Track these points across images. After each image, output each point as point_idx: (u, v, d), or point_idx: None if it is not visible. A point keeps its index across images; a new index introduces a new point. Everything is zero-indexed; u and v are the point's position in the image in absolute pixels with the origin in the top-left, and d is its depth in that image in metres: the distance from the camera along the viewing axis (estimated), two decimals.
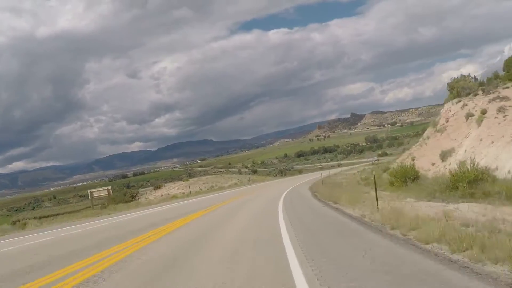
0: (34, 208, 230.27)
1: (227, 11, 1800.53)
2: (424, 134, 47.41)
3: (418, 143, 46.37)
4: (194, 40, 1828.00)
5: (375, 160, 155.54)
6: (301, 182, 60.45)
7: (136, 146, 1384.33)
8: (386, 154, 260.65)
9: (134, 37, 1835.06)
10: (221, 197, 42.85)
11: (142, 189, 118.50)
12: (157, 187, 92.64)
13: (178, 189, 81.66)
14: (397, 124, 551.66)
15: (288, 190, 43.82)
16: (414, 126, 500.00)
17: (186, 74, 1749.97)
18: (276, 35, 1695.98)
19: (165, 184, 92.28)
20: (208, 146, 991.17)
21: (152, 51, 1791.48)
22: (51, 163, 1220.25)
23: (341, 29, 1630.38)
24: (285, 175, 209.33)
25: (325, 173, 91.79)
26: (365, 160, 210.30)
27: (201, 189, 72.91)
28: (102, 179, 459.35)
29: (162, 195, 71.86)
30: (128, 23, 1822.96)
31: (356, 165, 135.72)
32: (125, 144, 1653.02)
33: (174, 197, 52.34)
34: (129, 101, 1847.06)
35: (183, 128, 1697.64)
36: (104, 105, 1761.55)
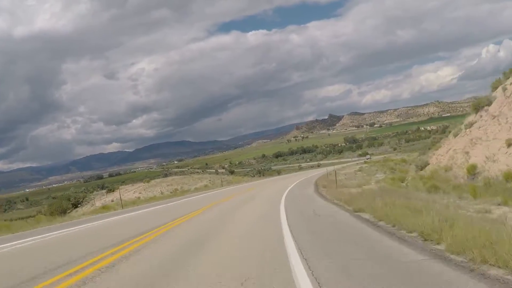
0: (6, 210, 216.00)
1: (206, 12, 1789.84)
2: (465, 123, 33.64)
3: (459, 134, 32.48)
4: (172, 41, 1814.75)
5: (367, 158, 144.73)
6: (289, 183, 45.70)
7: (113, 147, 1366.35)
8: (367, 154, 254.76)
9: (112, 37, 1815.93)
10: (165, 215, 25.63)
11: (95, 193, 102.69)
12: (110, 191, 77.42)
13: (134, 192, 67.35)
14: (375, 125, 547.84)
15: (283, 198, 27.39)
16: (393, 127, 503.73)
17: (163, 75, 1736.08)
18: (254, 37, 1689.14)
19: (122, 187, 77.14)
20: (186, 147, 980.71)
21: (130, 52, 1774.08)
22: (27, 164, 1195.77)
23: (319, 31, 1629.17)
24: (263, 176, 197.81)
25: (313, 172, 78.97)
26: (351, 159, 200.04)
27: (162, 193, 58.68)
28: (78, 180, 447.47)
29: (113, 200, 57.61)
30: (107, 23, 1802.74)
31: (346, 164, 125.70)
32: (102, 145, 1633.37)
33: (105, 208, 36.98)
34: (106, 102, 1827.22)
35: (160, 129, 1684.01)
36: (81, 106, 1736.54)
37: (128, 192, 67.03)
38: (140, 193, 63.60)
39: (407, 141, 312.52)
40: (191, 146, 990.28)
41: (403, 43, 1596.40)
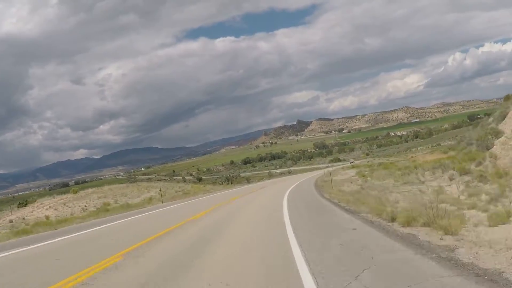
0: None
1: (175, 18, 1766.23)
2: None
3: None
4: (140, 47, 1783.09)
5: (351, 162, 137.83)
6: (273, 197, 30.76)
7: (80, 154, 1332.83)
8: (339, 160, 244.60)
9: (80, 42, 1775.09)
10: None
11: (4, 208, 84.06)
12: (21, 204, 59.18)
13: (50, 207, 49.65)
14: (344, 131, 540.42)
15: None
16: (362, 132, 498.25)
17: (131, 81, 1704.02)
18: (222, 43, 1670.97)
19: (40, 199, 59.69)
20: (154, 153, 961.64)
21: (98, 57, 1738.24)
22: None
23: (287, 38, 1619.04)
24: (231, 183, 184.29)
25: (289, 180, 63.85)
26: (324, 165, 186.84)
27: (85, 209, 42.10)
28: (44, 188, 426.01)
29: (11, 221, 40.78)
30: (74, 28, 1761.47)
31: (326, 169, 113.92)
32: (69, 151, 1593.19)
33: None
34: (73, 108, 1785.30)
35: (128, 135, 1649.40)
36: (48, 111, 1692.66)
37: (43, 207, 49.76)
38: (56, 209, 46.64)
39: (379, 146, 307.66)
40: (159, 152, 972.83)
41: (371, 50, 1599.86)
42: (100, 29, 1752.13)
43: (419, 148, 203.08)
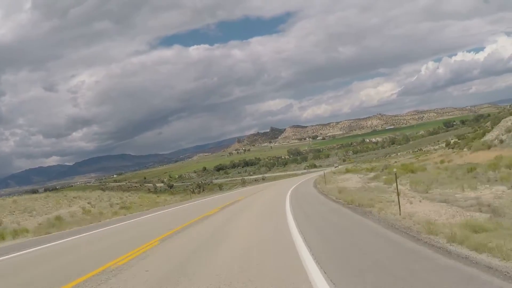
0: None
1: (149, 26, 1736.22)
2: None
3: None
4: (114, 54, 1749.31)
5: (336, 167, 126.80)
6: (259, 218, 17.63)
7: (53, 160, 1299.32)
8: (315, 166, 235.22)
9: (53, 48, 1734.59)
10: None
11: None
12: None
13: None
14: (318, 138, 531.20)
15: None
16: (337, 139, 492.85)
17: (104, 88, 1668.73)
18: (196, 51, 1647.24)
19: None
20: (126, 160, 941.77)
21: (71, 63, 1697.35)
22: None
23: (261, 47, 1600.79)
24: (203, 190, 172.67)
25: (266, 189, 50.91)
26: (300, 170, 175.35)
27: None
28: (14, 195, 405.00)
29: None
30: (48, 34, 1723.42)
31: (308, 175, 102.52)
32: (41, 158, 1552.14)
33: None
34: (46, 115, 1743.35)
35: (101, 143, 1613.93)
36: (20, 118, 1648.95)
37: None
38: None
39: (355, 152, 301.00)
40: (132, 159, 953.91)
41: (345, 59, 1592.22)
42: (74, 35, 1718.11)
43: (399, 153, 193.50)
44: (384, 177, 33.92)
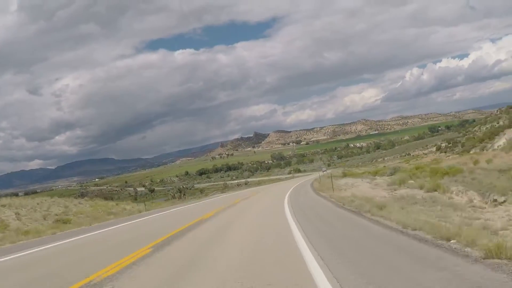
0: None
1: (135, 29, 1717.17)
2: None
3: None
4: (99, 57, 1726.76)
5: (324, 171, 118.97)
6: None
7: (35, 164, 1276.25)
8: (299, 170, 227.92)
9: (38, 51, 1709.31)
10: None
11: None
12: None
13: None
14: (302, 143, 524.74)
15: None
16: (321, 144, 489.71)
17: (88, 91, 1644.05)
18: (182, 56, 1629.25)
19: None
20: (109, 164, 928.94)
21: (56, 66, 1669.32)
22: None
23: (247, 52, 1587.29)
24: (184, 195, 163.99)
25: (252, 196, 42.60)
26: (284, 175, 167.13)
27: None
28: None
29: None
30: (33, 36, 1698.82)
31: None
32: (24, 162, 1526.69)
33: None
34: (29, 118, 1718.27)
35: (84, 146, 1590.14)
36: (3, 121, 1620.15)
37: None
38: None
39: (340, 157, 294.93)
40: (114, 163, 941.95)
41: (330, 65, 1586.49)
42: (60, 38, 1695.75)
43: (386, 158, 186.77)
44: (410, 181, 25.44)
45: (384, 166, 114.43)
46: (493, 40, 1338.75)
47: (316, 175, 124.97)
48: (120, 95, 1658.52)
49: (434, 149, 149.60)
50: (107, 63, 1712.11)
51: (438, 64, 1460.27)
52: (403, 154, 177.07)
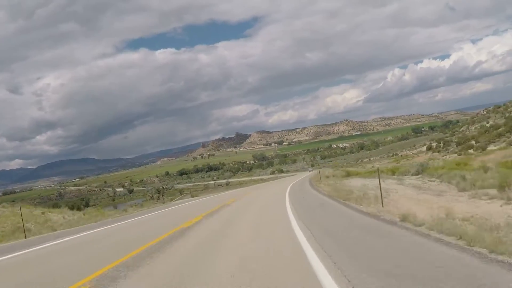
0: None
1: (115, 28, 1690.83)
2: None
3: None
4: (80, 56, 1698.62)
5: (310, 171, 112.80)
6: None
7: (16, 164, 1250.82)
8: (282, 171, 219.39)
9: (19, 50, 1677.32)
10: None
11: None
12: None
13: None
14: (284, 143, 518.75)
15: None
16: (303, 144, 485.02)
17: (69, 91, 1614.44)
18: (163, 55, 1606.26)
19: None
20: (90, 164, 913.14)
21: (36, 65, 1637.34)
22: None
23: (228, 51, 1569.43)
24: (163, 196, 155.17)
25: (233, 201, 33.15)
26: (266, 175, 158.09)
27: None
28: None
29: None
30: (13, 35, 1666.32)
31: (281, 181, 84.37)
32: (4, 161, 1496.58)
33: None
34: (10, 117, 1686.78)
35: (65, 146, 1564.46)
36: None
37: None
38: None
39: (323, 157, 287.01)
40: (95, 163, 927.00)
41: (311, 65, 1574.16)
42: (40, 37, 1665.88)
43: (371, 158, 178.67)
44: (479, 182, 16.05)
45: (373, 167, 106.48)
46: (473, 41, 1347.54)
47: (301, 175, 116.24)
48: (101, 95, 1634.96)
49: (423, 148, 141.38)
50: (88, 62, 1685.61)
51: (419, 65, 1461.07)
52: (390, 154, 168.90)
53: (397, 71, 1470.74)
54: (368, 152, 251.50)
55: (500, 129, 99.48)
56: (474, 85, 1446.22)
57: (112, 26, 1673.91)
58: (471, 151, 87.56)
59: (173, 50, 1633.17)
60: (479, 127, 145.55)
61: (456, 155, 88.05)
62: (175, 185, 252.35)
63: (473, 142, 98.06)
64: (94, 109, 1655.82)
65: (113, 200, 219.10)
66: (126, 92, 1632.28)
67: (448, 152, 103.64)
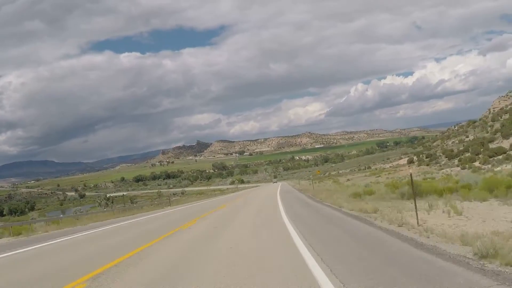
0: None
1: (81, 29, 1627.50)
2: None
3: None
4: (44, 56, 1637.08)
5: (274, 182, 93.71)
6: None
7: None
8: (243, 181, 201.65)
9: None
10: None
11: None
12: None
13: None
14: (245, 153, 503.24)
15: None
16: (265, 155, 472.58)
17: (31, 91, 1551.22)
18: (127, 59, 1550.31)
19: None
20: (49, 167, 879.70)
21: None
22: None
23: (193, 58, 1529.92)
24: (112, 203, 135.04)
25: None
26: (225, 186, 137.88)
27: None
28: None
29: None
30: None
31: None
32: None
33: None
34: None
35: (25, 147, 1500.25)
36: None
37: None
38: None
39: (286, 169, 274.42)
40: (55, 166, 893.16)
41: (276, 76, 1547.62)
42: (3, 34, 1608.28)
43: (340, 171, 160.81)
44: None
45: (348, 180, 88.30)
46: (437, 60, 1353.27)
47: (266, 187, 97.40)
48: (63, 96, 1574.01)
49: (401, 162, 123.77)
50: (51, 62, 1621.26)
51: (383, 81, 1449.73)
52: (362, 168, 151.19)
53: (360, 86, 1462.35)
54: (334, 165, 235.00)
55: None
56: (435, 103, 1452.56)
57: (79, 26, 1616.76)
58: (477, 163, 70.56)
59: (138, 54, 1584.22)
60: (458, 141, 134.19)
61: (458, 168, 70.68)
62: (126, 193, 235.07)
63: (472, 153, 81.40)
64: (56, 111, 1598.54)
65: (61, 204, 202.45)
66: (88, 95, 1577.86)
67: (441, 166, 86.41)
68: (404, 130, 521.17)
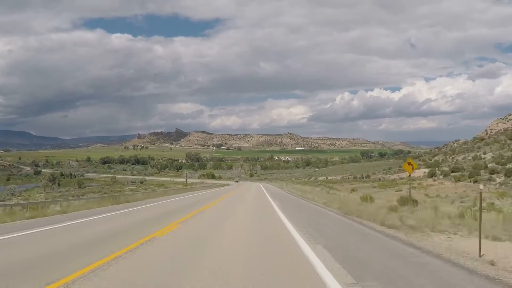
0: None
1: (76, 4, 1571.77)
2: None
3: None
4: (35, 26, 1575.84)
5: (236, 181, 69.13)
6: None
7: None
8: (213, 176, 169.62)
9: None
10: None
11: None
12: None
13: None
14: (223, 147, 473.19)
15: None
16: (243, 152, 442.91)
17: (17, 59, 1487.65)
18: (118, 40, 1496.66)
19: None
20: (25, 138, 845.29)
21: None
22: None
23: (184, 47, 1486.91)
24: (59, 185, 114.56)
25: None
26: (193, 179, 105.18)
27: None
28: None
29: None
30: None
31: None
32: None
33: None
34: None
35: (3, 116, 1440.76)
36: None
37: None
38: None
39: (264, 168, 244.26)
40: (31, 139, 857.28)
41: (264, 75, 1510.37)
42: None
43: (329, 177, 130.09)
44: None
45: (353, 190, 58.70)
46: (426, 79, 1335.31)
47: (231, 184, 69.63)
48: (48, 69, 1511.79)
49: (420, 173, 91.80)
50: (41, 33, 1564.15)
51: (370, 93, 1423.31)
52: (358, 177, 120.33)
53: (347, 95, 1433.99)
54: (317, 169, 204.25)
55: None
56: (419, 121, 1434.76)
57: (74, 1, 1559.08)
58: None
59: (129, 36, 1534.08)
60: (472, 158, 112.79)
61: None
62: (85, 174, 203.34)
63: None
64: (39, 82, 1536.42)
65: (8, 179, 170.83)
66: (74, 70, 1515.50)
67: (500, 184, 56.17)
68: (387, 142, 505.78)
